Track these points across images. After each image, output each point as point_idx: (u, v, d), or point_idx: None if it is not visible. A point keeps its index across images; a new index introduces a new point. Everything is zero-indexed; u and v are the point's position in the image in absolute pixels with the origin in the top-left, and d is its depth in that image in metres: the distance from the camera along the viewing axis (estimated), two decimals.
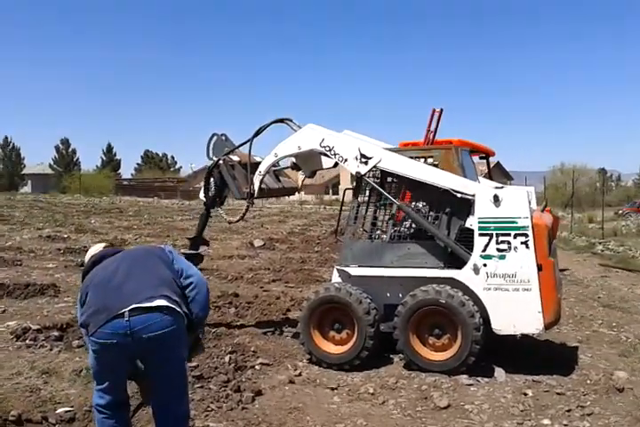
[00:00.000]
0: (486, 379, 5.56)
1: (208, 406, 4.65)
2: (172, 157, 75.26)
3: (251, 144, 6.66)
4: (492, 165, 13.67)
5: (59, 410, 4.32)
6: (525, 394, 5.23)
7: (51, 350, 5.79)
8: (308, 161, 6.78)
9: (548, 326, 5.51)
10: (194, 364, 5.48)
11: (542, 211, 6.43)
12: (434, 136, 10.12)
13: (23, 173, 67.75)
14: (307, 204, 43.92)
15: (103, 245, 3.95)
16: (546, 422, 4.69)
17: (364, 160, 5.91)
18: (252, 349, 6.18)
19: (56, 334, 6.15)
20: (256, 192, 6.64)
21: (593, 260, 15.91)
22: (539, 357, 6.28)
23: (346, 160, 6.02)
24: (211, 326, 6.99)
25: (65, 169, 64.62)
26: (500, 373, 5.70)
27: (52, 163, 68.34)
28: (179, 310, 3.29)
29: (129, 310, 3.15)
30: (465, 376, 5.56)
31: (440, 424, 4.62)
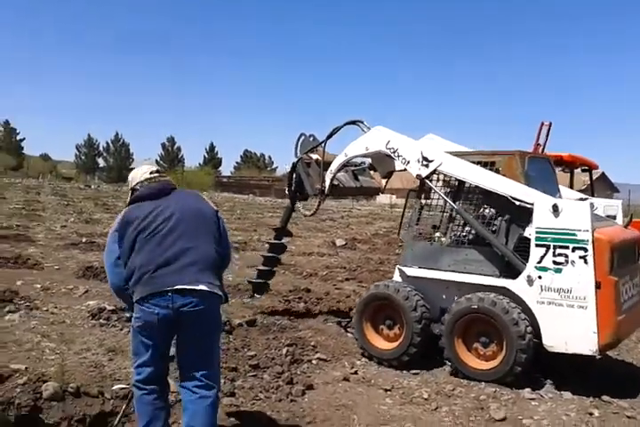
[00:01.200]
0: (550, 395, 5.26)
1: (257, 395, 4.71)
2: (270, 157, 77.34)
3: (325, 144, 6.87)
4: (595, 177, 13.18)
5: (115, 386, 4.51)
6: (591, 414, 4.90)
7: (121, 329, 6.07)
8: (381, 162, 6.81)
9: (603, 349, 5.14)
10: (252, 353, 5.60)
11: (626, 226, 6.04)
12: (543, 150, 10.23)
13: (131, 166, 71.85)
14: (397, 207, 43.60)
15: (150, 168, 3.84)
16: None
17: (425, 163, 5.84)
18: (312, 343, 6.21)
19: (128, 315, 6.44)
20: (327, 189, 6.78)
21: None
22: (614, 377, 5.90)
23: (408, 162, 5.98)
24: (276, 318, 7.12)
25: (170, 165, 67.94)
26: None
27: (158, 159, 72.00)
28: (218, 293, 3.58)
29: (174, 290, 3.37)
30: (528, 390, 5.30)
31: None
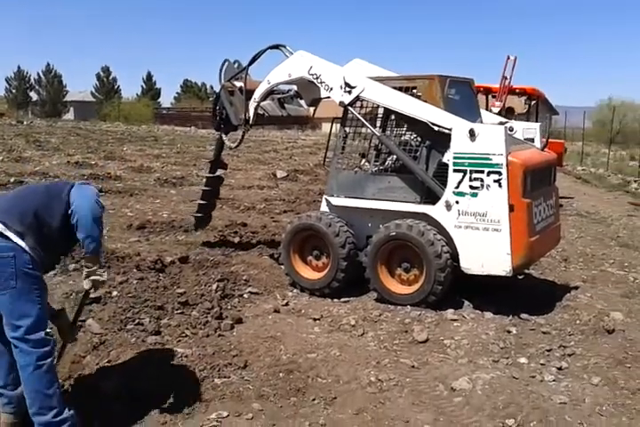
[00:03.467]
0: (472, 315, 5.49)
1: (183, 333, 4.74)
2: (212, 87, 74.27)
3: (247, 71, 6.64)
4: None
5: None
6: (509, 332, 5.16)
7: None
8: (306, 89, 6.63)
9: (516, 269, 5.33)
10: (180, 290, 5.60)
11: (543, 149, 6.12)
12: (509, 82, 11.32)
13: (65, 100, 68.45)
14: None
15: None
16: (522, 360, 4.63)
17: (347, 89, 5.75)
18: (245, 277, 6.24)
19: None
20: (251, 119, 6.60)
21: (624, 198, 15.33)
22: (536, 295, 6.17)
23: (331, 89, 5.87)
24: (210, 254, 7.09)
25: (106, 97, 64.98)
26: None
27: (93, 91, 68.70)
28: (15, 239, 3.16)
29: None
30: (451, 311, 5.51)
31: (414, 357, 4.61)
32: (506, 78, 11.74)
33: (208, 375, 4.16)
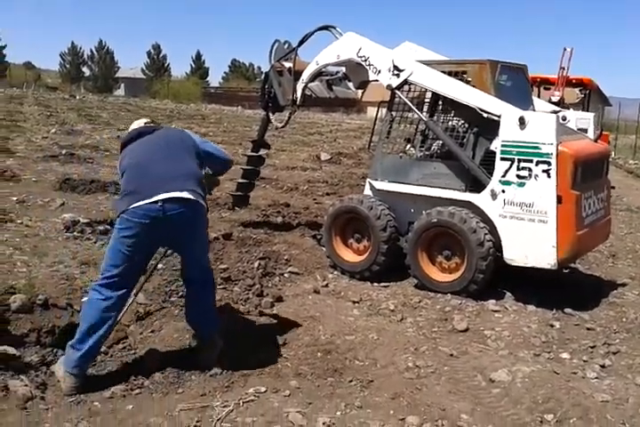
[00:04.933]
0: (515, 307, 5.39)
1: (224, 307, 4.79)
2: (259, 68, 74.48)
3: (296, 51, 6.65)
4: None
5: (84, 298, 4.56)
6: (552, 326, 5.05)
7: (95, 242, 6.09)
8: (355, 71, 6.54)
9: (562, 263, 5.17)
10: (224, 266, 5.65)
11: (596, 140, 5.92)
12: (566, 73, 12.19)
13: (117, 76, 69.61)
14: None
15: (145, 120, 4.37)
16: (565, 355, 4.53)
17: (396, 73, 5.66)
18: (286, 257, 6.27)
19: (101, 228, 6.44)
20: (299, 100, 6.59)
21: None
22: (581, 290, 6.02)
23: (379, 72, 5.80)
24: (252, 232, 7.14)
25: (156, 74, 65.81)
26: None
27: (144, 68, 69.62)
28: (202, 202, 3.80)
29: (162, 199, 3.59)
30: (492, 301, 5.43)
31: (452, 346, 4.56)
32: (563, 69, 12.32)
33: (248, 351, 4.21)
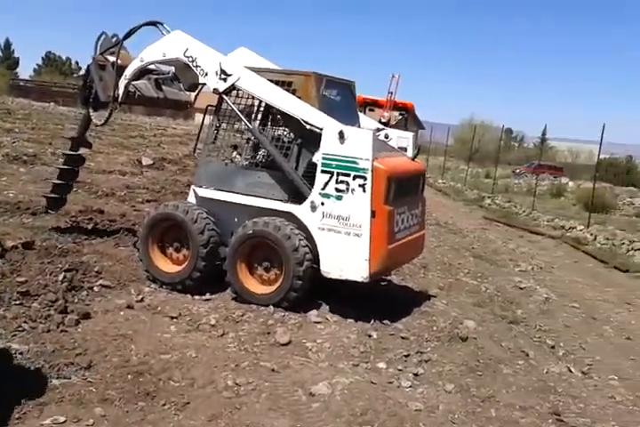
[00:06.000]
0: (336, 318, 5.42)
1: (20, 326, 4.23)
2: (77, 63, 69.76)
3: (120, 46, 6.27)
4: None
5: None
6: (370, 336, 5.15)
7: None
8: (184, 72, 6.23)
9: (373, 275, 5.29)
10: (21, 279, 5.01)
11: (413, 158, 6.23)
12: (392, 97, 13.94)
13: None
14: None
15: None
16: (381, 365, 4.63)
17: (223, 77, 5.52)
18: (97, 269, 5.73)
19: None
20: (120, 96, 6.17)
21: (479, 212, 16.40)
22: (395, 301, 6.24)
23: (207, 74, 5.62)
24: (59, 241, 6.46)
25: None
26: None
27: None
28: None
29: None
30: (315, 313, 5.41)
31: (274, 360, 4.44)
32: (391, 93, 14.24)
33: (45, 375, 3.71)
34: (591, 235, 13.34)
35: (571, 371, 5.27)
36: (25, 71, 69.83)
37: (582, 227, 14.15)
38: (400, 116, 15.60)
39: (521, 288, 8.04)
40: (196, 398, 3.77)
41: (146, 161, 14.30)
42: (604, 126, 15.35)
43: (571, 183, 26.36)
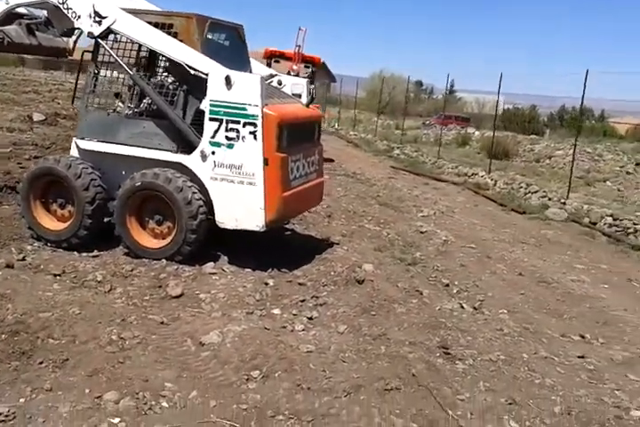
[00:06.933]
0: (232, 268, 5.35)
1: None
2: None
3: None
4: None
5: None
6: (266, 284, 5.12)
7: None
8: (57, 16, 5.77)
9: (269, 224, 5.23)
10: None
11: (307, 105, 6.10)
12: (299, 50, 13.79)
13: None
14: None
15: None
16: (276, 311, 4.62)
17: (97, 19, 5.18)
18: None
19: None
20: None
21: (388, 162, 16.61)
22: (296, 249, 6.22)
23: (79, 17, 5.27)
24: None
25: None
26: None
27: None
28: None
29: None
30: (211, 264, 5.31)
31: (164, 313, 4.33)
32: (299, 46, 13.98)
33: None
34: (492, 180, 13.84)
35: (462, 307, 5.46)
36: None
37: (484, 173, 14.63)
38: (308, 70, 15.62)
39: (422, 232, 8.23)
40: (77, 354, 3.62)
41: (37, 117, 13.34)
42: (501, 76, 15.81)
43: (477, 133, 27.11)
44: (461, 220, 9.74)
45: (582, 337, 5.13)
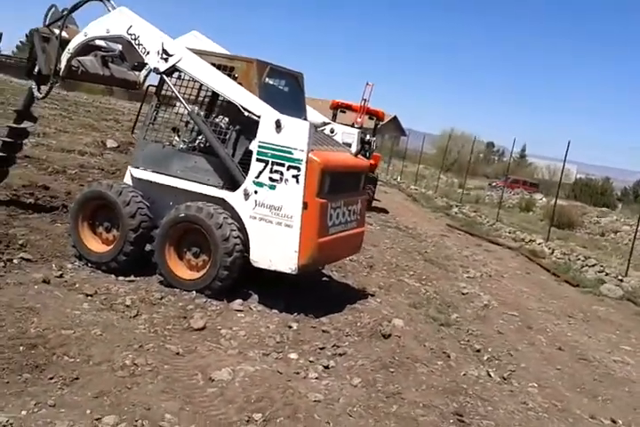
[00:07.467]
0: (260, 308, 5.35)
1: None
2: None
3: (64, 19, 6.18)
4: (387, 120, 16.65)
5: None
6: (290, 327, 5.08)
7: None
8: (129, 51, 6.16)
9: (302, 268, 5.21)
10: None
11: (356, 155, 6.17)
12: (364, 104, 14.71)
13: None
14: None
15: None
16: (293, 356, 4.56)
17: (164, 57, 5.45)
18: (21, 242, 5.62)
19: None
20: (62, 70, 6.09)
21: (444, 220, 16.43)
22: (328, 296, 6.18)
23: (148, 53, 5.55)
24: None
25: None
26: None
27: None
28: None
29: None
30: (239, 302, 5.33)
31: (182, 344, 4.34)
32: (365, 100, 14.70)
33: None
34: (549, 249, 13.43)
35: (490, 375, 5.24)
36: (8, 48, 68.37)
37: (542, 241, 14.24)
38: (372, 122, 16.28)
39: (463, 293, 8.03)
40: (88, 374, 3.67)
41: (110, 143, 14.10)
42: (568, 144, 15.51)
43: (543, 199, 26.56)
44: (509, 285, 9.45)
45: (614, 422, 4.82)
